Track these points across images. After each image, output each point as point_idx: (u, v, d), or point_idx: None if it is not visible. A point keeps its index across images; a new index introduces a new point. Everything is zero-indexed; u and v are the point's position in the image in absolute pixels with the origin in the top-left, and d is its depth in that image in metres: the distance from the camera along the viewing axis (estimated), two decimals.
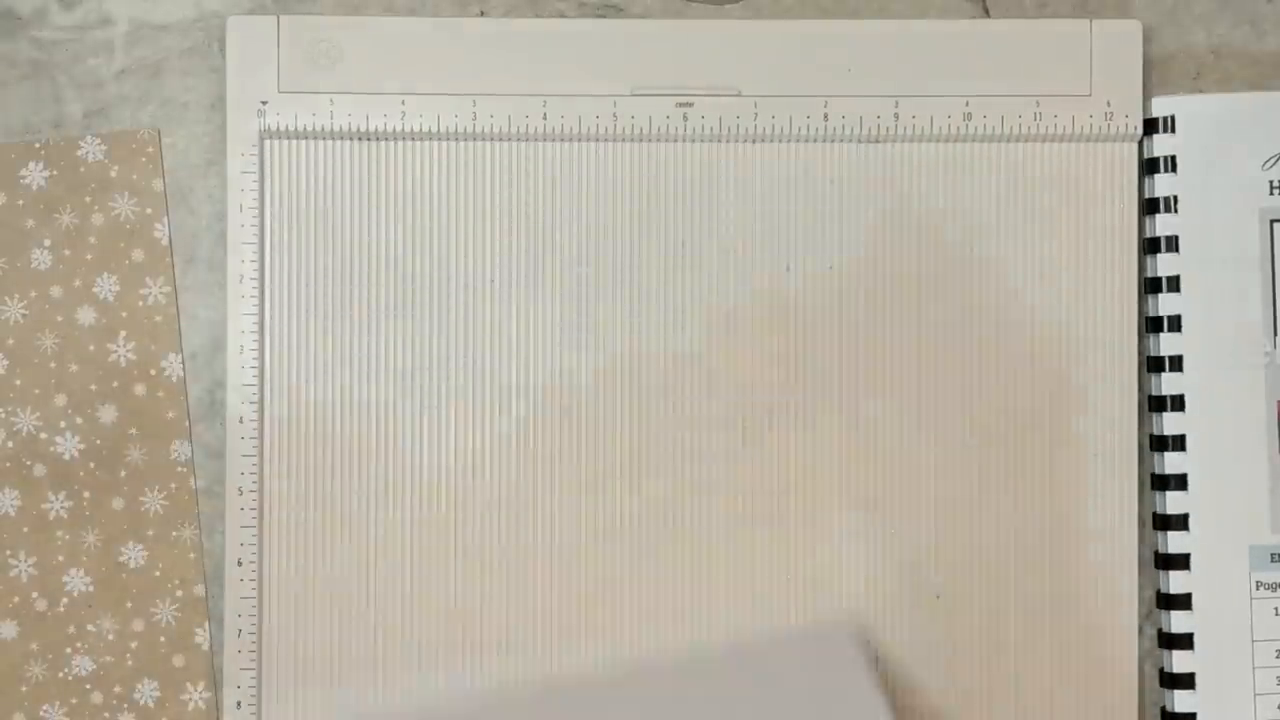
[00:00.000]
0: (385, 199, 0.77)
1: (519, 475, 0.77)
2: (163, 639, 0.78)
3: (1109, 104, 0.78)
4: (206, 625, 0.78)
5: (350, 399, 0.77)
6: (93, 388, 0.78)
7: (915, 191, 0.78)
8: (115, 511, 0.77)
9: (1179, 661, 0.78)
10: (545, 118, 0.77)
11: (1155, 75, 0.80)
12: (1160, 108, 0.78)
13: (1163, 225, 0.78)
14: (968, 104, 0.78)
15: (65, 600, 0.77)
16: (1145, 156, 0.79)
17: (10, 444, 0.77)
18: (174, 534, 0.78)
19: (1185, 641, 0.78)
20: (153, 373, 0.78)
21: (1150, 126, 0.78)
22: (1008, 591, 0.78)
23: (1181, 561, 0.78)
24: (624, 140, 0.77)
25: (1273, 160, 0.78)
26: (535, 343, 0.77)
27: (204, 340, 0.78)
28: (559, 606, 0.77)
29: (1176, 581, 0.78)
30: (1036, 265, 0.78)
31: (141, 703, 0.77)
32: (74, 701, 0.77)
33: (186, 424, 0.78)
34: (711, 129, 0.77)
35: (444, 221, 0.77)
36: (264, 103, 0.77)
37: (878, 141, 0.78)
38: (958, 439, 0.78)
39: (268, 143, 0.76)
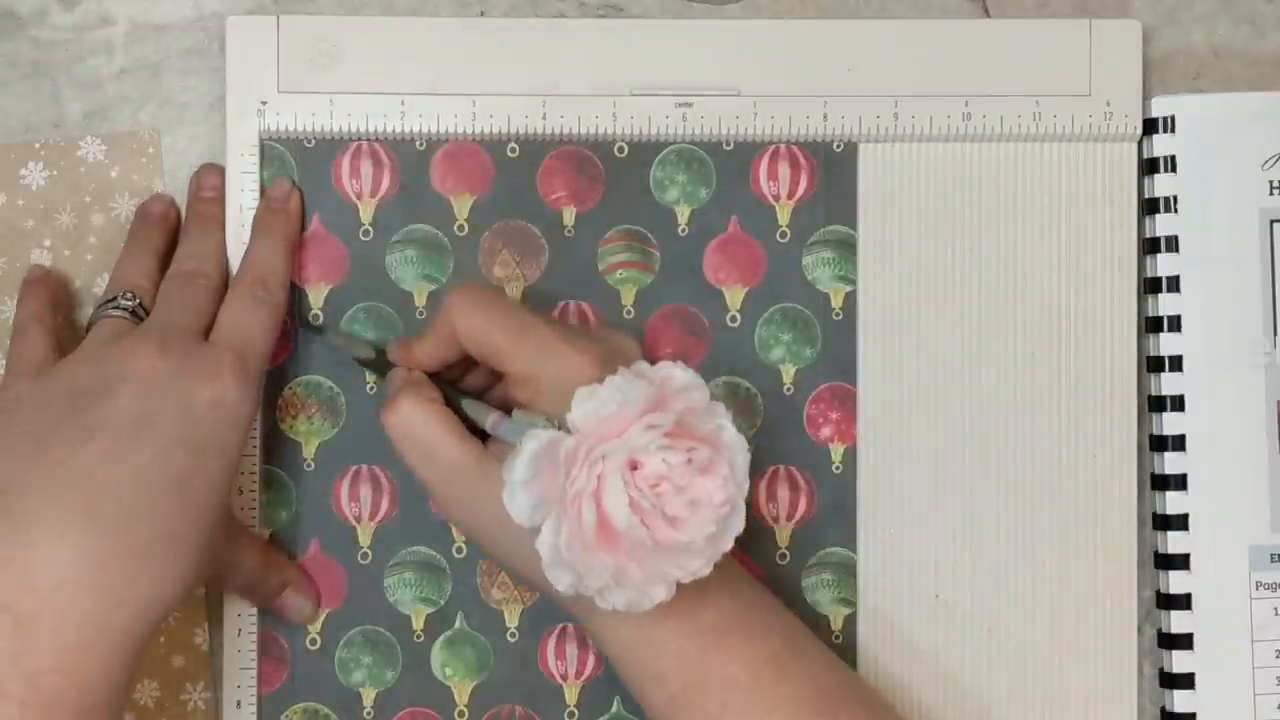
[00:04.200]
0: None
1: None
2: (163, 639, 0.77)
3: (1108, 104, 0.78)
4: (206, 625, 0.78)
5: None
6: None
7: (915, 191, 0.78)
8: None
9: (1179, 661, 0.78)
10: (545, 118, 0.77)
11: (1155, 75, 0.80)
12: (1160, 108, 0.78)
13: (1163, 225, 0.78)
14: (967, 104, 0.78)
15: None
16: (1145, 156, 0.79)
17: None
18: None
19: (1185, 641, 0.78)
20: None
21: (1150, 126, 0.78)
22: (1007, 590, 0.78)
23: (1181, 561, 0.78)
24: (624, 140, 0.78)
25: (1273, 160, 0.78)
26: None
27: None
28: None
29: (1176, 581, 0.78)
30: (1036, 265, 0.78)
31: (141, 703, 0.77)
32: None
33: None
34: (711, 129, 0.77)
35: None
36: (264, 103, 0.77)
37: (878, 141, 0.78)
38: (957, 439, 0.78)
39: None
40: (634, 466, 0.62)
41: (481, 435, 0.69)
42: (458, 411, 0.70)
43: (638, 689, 0.69)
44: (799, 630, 0.71)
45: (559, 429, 0.63)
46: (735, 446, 0.64)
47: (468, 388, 0.73)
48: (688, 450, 0.62)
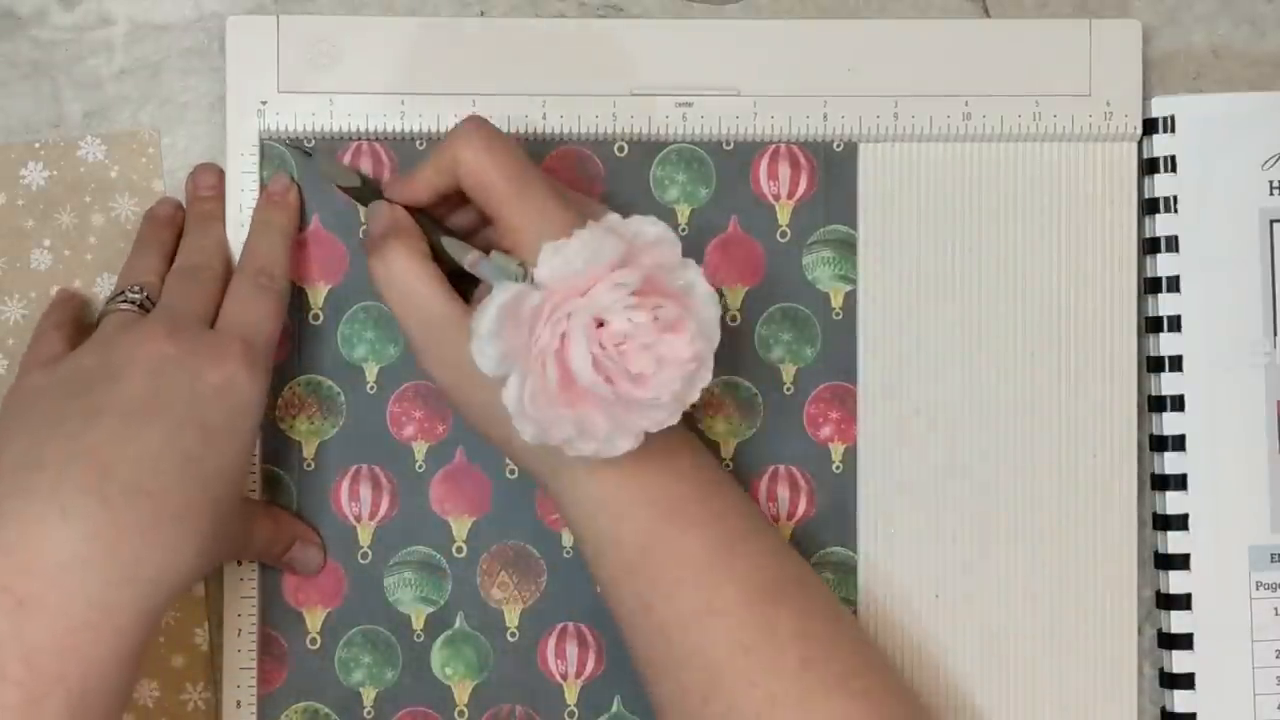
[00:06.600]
0: None
1: None
2: (162, 639, 0.77)
3: (1108, 104, 0.78)
4: (206, 625, 0.78)
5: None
6: None
7: (915, 191, 0.78)
8: None
9: (1179, 661, 0.78)
10: (545, 118, 0.77)
11: (1155, 75, 0.80)
12: (1160, 108, 0.78)
13: (1163, 225, 0.78)
14: (967, 104, 0.78)
15: None
16: (1145, 156, 0.79)
17: None
18: None
19: (1185, 641, 0.78)
20: None
21: (1150, 126, 0.79)
22: (1007, 590, 0.78)
23: (1181, 561, 0.78)
24: (624, 140, 0.78)
25: (1273, 160, 0.78)
26: None
27: None
28: None
29: (1176, 581, 0.78)
30: (1036, 265, 0.78)
31: (141, 703, 0.77)
32: None
33: None
34: (711, 129, 0.77)
35: None
36: (264, 103, 0.77)
37: (878, 141, 0.78)
38: (957, 439, 0.78)
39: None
40: (600, 324, 0.62)
41: (455, 279, 0.69)
42: (435, 247, 0.70)
43: (594, 551, 0.68)
44: (756, 515, 0.71)
45: (532, 281, 0.63)
46: (705, 301, 0.64)
47: (451, 226, 0.73)
48: (654, 308, 0.62)
